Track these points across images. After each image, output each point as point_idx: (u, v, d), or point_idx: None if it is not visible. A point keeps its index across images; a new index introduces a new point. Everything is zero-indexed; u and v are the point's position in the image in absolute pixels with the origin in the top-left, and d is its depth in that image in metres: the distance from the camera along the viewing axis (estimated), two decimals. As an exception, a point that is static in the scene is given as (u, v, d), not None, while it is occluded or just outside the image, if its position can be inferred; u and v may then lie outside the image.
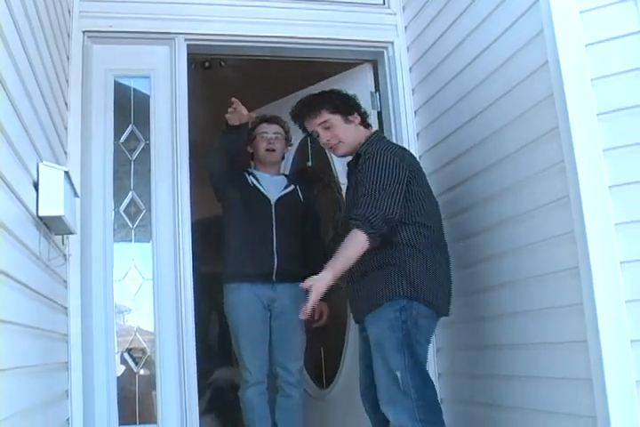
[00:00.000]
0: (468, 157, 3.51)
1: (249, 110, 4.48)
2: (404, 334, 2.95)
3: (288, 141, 4.24)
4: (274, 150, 4.13)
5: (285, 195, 4.09)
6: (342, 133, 3.32)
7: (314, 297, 2.90)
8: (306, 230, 4.14)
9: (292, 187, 4.14)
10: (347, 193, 3.37)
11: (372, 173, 3.04)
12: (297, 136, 4.65)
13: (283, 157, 4.31)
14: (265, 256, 3.92)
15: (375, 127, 3.68)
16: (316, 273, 2.95)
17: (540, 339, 2.95)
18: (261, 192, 4.04)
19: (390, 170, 3.04)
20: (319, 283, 2.91)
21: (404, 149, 3.38)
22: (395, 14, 4.24)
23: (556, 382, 2.83)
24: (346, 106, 3.36)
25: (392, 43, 4.20)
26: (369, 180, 3.03)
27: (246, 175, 4.08)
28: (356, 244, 2.96)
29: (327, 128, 3.32)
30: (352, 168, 3.31)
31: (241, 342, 3.90)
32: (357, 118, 3.34)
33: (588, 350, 2.55)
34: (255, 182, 4.06)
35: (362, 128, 3.34)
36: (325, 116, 3.32)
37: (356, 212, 2.99)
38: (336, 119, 3.32)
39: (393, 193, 3.00)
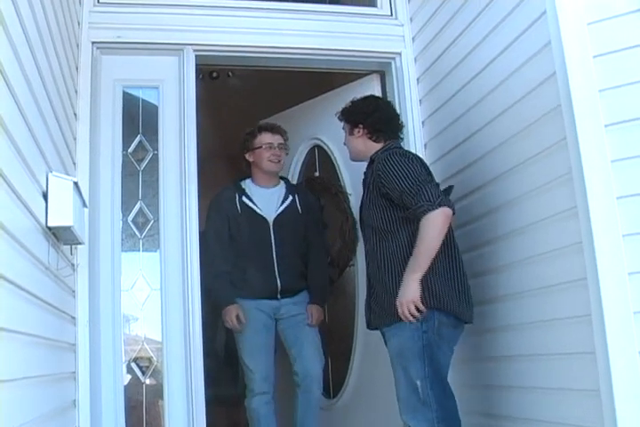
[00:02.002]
0: (476, 168, 3.51)
1: (256, 120, 4.51)
2: (425, 344, 2.97)
3: (287, 151, 4.24)
4: (279, 161, 4.12)
5: (283, 211, 4.05)
6: (349, 142, 3.47)
7: (412, 307, 2.94)
8: (308, 243, 4.13)
9: (291, 198, 4.11)
10: (362, 198, 3.38)
11: (396, 171, 3.07)
12: (305, 146, 4.68)
13: None
14: (268, 279, 3.93)
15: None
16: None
17: (548, 350, 2.95)
18: (258, 213, 4.01)
19: (411, 164, 3.10)
20: (411, 293, 2.95)
21: (414, 153, 3.41)
22: (402, 25, 4.26)
23: (565, 394, 2.82)
24: (351, 118, 3.43)
25: (399, 54, 4.21)
26: (398, 178, 3.05)
27: (237, 197, 4.03)
28: (431, 229, 2.95)
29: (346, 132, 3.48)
30: (367, 174, 3.32)
31: (246, 352, 3.91)
32: (361, 132, 3.37)
33: (597, 361, 2.54)
34: (249, 203, 4.02)
35: (370, 142, 3.36)
36: (343, 122, 3.48)
37: (412, 204, 2.98)
38: (347, 127, 3.46)
39: (427, 180, 3.04)
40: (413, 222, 3.02)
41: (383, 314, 3.15)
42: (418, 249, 2.98)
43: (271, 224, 4.00)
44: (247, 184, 4.13)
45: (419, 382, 2.95)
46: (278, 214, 4.03)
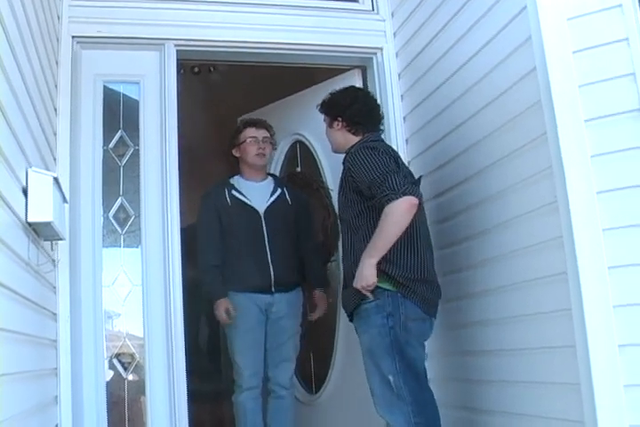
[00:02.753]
0: (457, 163, 3.52)
1: (238, 115, 4.50)
2: (393, 339, 2.98)
3: (274, 145, 4.25)
4: (264, 155, 4.11)
5: (273, 202, 4.06)
6: (329, 134, 3.48)
7: (364, 287, 2.99)
8: (299, 232, 4.14)
9: (280, 191, 4.12)
10: (338, 193, 3.39)
11: (363, 164, 3.08)
12: (286, 141, 4.67)
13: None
14: (261, 270, 3.92)
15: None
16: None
17: (528, 344, 2.97)
18: (248, 205, 4.01)
19: (378, 156, 3.09)
20: (365, 271, 2.98)
21: (389, 146, 3.40)
22: (384, 20, 4.26)
23: (545, 387, 2.84)
24: (330, 111, 3.44)
25: (381, 49, 4.22)
26: (366, 171, 3.05)
27: (226, 192, 4.04)
28: (391, 216, 2.94)
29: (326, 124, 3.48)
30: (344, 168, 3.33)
31: (236, 348, 3.90)
32: (340, 125, 3.37)
33: (577, 355, 2.56)
34: (239, 196, 4.02)
35: (349, 135, 3.36)
36: (322, 115, 3.49)
37: (378, 194, 2.99)
38: (327, 120, 3.46)
39: (394, 171, 3.03)
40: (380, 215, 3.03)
41: (348, 299, 3.19)
42: (376, 234, 2.99)
43: (262, 215, 3.99)
44: (236, 179, 4.14)
45: (391, 378, 2.97)
46: (269, 205, 4.03)
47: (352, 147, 3.29)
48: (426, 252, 3.17)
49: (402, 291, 3.03)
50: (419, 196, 2.98)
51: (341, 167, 3.36)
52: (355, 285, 3.02)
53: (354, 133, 3.35)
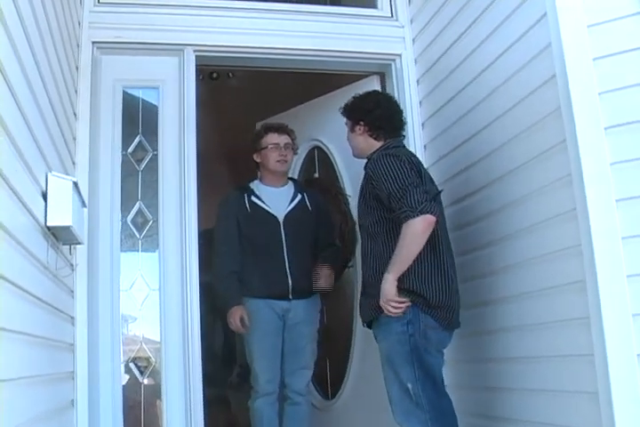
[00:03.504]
0: (475, 170, 3.51)
1: (256, 121, 4.50)
2: (413, 347, 2.98)
3: (295, 150, 4.22)
4: (285, 161, 4.08)
5: (293, 209, 4.03)
6: (351, 139, 3.45)
7: (389, 304, 2.98)
8: (318, 237, 4.10)
9: (300, 196, 4.08)
10: (358, 199, 3.38)
11: (384, 173, 3.07)
12: (304, 147, 4.68)
13: None
14: (279, 278, 3.89)
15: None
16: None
17: (546, 352, 2.95)
18: (267, 212, 3.98)
19: (401, 167, 3.07)
20: (387, 289, 2.98)
21: (411, 154, 3.39)
22: (402, 27, 4.26)
23: (563, 396, 2.82)
24: (352, 115, 3.43)
25: (400, 55, 4.22)
26: (386, 181, 3.05)
27: (245, 197, 3.99)
28: (409, 236, 2.95)
29: (348, 129, 3.47)
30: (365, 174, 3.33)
31: (254, 354, 3.88)
32: (362, 129, 3.36)
33: (595, 363, 2.54)
34: (259, 202, 3.99)
35: (371, 139, 3.35)
36: (345, 118, 3.48)
37: (396, 209, 2.99)
38: (349, 124, 3.45)
39: (414, 184, 3.01)
40: (399, 225, 3.02)
41: (366, 309, 3.19)
42: (396, 253, 3.00)
43: (282, 222, 3.96)
44: (255, 184, 4.11)
45: (410, 385, 2.96)
46: (288, 212, 4.00)
47: (374, 153, 3.28)
48: (450, 269, 3.15)
49: (424, 309, 3.02)
50: (436, 213, 2.97)
51: (359, 174, 3.35)
52: (380, 303, 3.01)
53: (375, 138, 3.34)
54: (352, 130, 3.41)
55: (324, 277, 3.98)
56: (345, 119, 3.48)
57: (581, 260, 2.62)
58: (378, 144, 3.33)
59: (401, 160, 3.11)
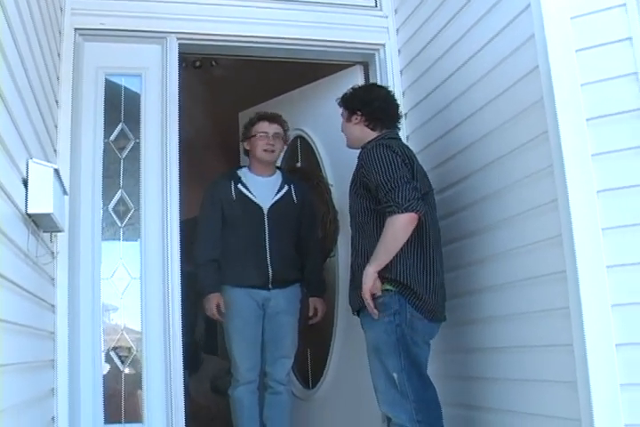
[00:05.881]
0: (458, 160, 3.52)
1: (239, 110, 4.48)
2: (399, 337, 2.99)
3: (286, 141, 4.22)
4: (273, 151, 4.08)
5: (279, 200, 4.03)
6: (346, 128, 3.45)
7: (367, 296, 3.01)
8: (302, 228, 4.13)
9: (287, 187, 4.09)
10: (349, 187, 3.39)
11: (376, 164, 3.08)
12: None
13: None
14: (259, 267, 3.91)
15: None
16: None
17: (526, 342, 2.97)
18: (252, 201, 3.99)
19: (393, 159, 3.08)
20: (366, 283, 3.01)
21: (406, 147, 3.39)
22: (386, 17, 4.26)
23: (542, 385, 2.84)
24: (350, 105, 3.42)
25: (383, 45, 4.22)
26: (377, 172, 3.06)
27: (232, 184, 4.01)
28: (391, 231, 2.97)
29: (343, 118, 3.47)
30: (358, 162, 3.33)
31: (234, 342, 3.90)
32: (359, 119, 3.36)
33: (574, 353, 2.57)
34: (245, 191, 4.00)
35: (367, 129, 3.35)
36: (341, 109, 3.46)
37: (383, 202, 3.01)
38: (345, 114, 3.44)
39: (404, 179, 3.02)
40: (385, 217, 3.03)
41: (354, 298, 3.20)
42: (378, 247, 3.02)
43: (265, 212, 3.97)
44: (243, 172, 4.12)
45: (396, 375, 2.99)
46: (273, 203, 4.01)
47: (369, 143, 3.28)
48: (436, 264, 3.18)
49: (410, 300, 3.04)
50: (421, 212, 2.98)
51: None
52: (362, 294, 3.03)
53: (372, 129, 3.34)
54: (348, 120, 3.41)
55: (320, 313, 4.10)
56: (341, 109, 3.47)
57: (562, 250, 2.63)
58: (374, 134, 3.33)
59: (394, 152, 3.12)
